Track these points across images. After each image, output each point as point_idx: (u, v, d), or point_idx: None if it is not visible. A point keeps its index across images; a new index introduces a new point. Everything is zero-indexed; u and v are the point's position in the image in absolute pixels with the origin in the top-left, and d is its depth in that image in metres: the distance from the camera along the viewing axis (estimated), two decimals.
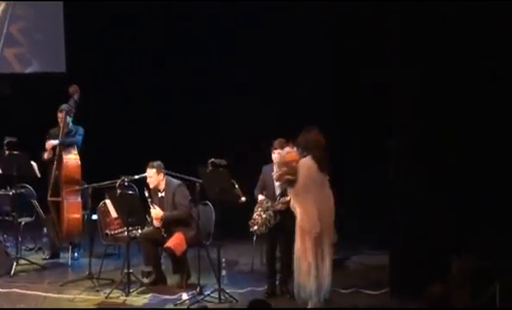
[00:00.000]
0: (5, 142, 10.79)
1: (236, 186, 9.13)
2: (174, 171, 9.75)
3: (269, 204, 9.17)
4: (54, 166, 10.61)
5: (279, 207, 9.09)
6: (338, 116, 11.85)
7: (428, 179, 8.81)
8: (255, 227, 9.19)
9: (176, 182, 9.70)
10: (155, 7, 12.82)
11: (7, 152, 10.71)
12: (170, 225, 9.63)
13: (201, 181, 9.39)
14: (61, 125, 10.66)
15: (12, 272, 10.18)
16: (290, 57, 12.04)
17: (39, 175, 10.67)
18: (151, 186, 9.76)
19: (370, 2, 11.23)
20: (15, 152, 10.67)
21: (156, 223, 9.63)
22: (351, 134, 11.48)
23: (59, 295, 9.21)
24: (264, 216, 9.13)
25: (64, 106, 10.65)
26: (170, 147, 9.99)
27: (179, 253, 9.47)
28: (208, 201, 9.85)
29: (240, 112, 12.14)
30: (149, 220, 9.75)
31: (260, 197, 9.32)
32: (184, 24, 12.73)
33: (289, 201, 8.77)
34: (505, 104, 8.70)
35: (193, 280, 9.54)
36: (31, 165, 10.64)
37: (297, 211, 8.47)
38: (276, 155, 9.02)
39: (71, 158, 10.65)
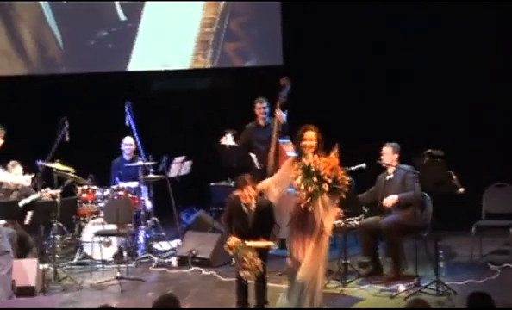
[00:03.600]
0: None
1: (454, 177, 8.86)
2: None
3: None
4: (271, 158, 10.71)
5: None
6: None
7: None
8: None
9: (407, 167, 9.56)
10: None
11: (227, 145, 11.02)
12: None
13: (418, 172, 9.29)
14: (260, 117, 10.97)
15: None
16: None
17: (258, 166, 10.88)
18: (384, 162, 9.76)
19: None
20: (235, 145, 11.00)
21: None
22: None
23: (277, 285, 8.95)
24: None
25: (260, 98, 10.93)
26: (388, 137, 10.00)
27: None
28: (425, 193, 9.62)
29: None
30: (366, 211, 9.77)
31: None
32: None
33: None
34: None
35: (410, 271, 9.47)
36: (250, 157, 10.89)
37: (329, 216, 7.93)
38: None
39: (291, 149, 10.55)
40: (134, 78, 13.76)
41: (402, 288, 9.03)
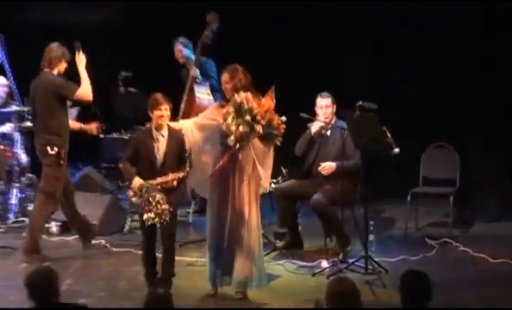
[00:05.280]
0: (120, 78, 10.57)
1: (388, 135, 8.10)
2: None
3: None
4: (183, 102, 9.97)
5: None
6: None
7: None
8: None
9: (343, 123, 8.83)
10: None
11: (122, 89, 10.54)
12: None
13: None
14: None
15: (126, 229, 9.76)
16: None
17: None
18: (319, 118, 9.06)
19: None
20: (132, 89, 10.52)
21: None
22: None
23: (178, 258, 8.20)
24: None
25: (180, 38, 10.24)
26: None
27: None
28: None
29: None
30: (284, 172, 9.23)
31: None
32: None
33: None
34: None
35: (335, 245, 8.77)
36: None
37: (264, 165, 7.45)
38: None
39: (204, 97, 9.94)
40: (8, 7, 12.60)
41: (324, 264, 8.39)
